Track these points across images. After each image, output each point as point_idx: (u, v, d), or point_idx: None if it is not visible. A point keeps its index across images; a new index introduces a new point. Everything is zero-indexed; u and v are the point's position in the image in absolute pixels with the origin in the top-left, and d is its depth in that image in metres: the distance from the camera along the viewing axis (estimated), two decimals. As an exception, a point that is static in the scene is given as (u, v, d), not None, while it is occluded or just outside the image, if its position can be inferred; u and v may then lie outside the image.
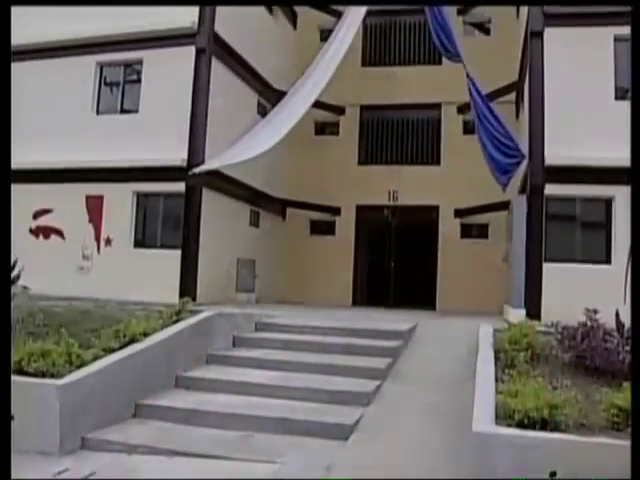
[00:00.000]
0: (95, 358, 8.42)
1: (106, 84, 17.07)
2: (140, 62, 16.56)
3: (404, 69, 21.59)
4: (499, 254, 16.75)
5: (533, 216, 13.98)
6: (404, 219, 20.92)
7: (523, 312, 13.12)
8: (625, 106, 12.55)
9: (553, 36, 14.34)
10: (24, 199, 15.16)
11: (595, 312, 9.15)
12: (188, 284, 15.00)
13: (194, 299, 13.74)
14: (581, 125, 13.88)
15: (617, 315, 9.06)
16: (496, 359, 8.74)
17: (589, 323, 8.98)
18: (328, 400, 8.56)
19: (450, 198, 19.95)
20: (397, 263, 20.76)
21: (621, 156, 10.84)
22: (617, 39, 13.96)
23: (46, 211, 16.48)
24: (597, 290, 11.95)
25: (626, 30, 13.22)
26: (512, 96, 18.93)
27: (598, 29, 14.06)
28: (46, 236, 16.47)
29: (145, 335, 9.48)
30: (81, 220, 16.14)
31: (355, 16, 17.20)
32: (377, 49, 22.23)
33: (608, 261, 13.52)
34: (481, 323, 11.09)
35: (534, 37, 14.61)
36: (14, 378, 7.14)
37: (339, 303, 19.54)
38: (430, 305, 19.49)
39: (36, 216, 16.54)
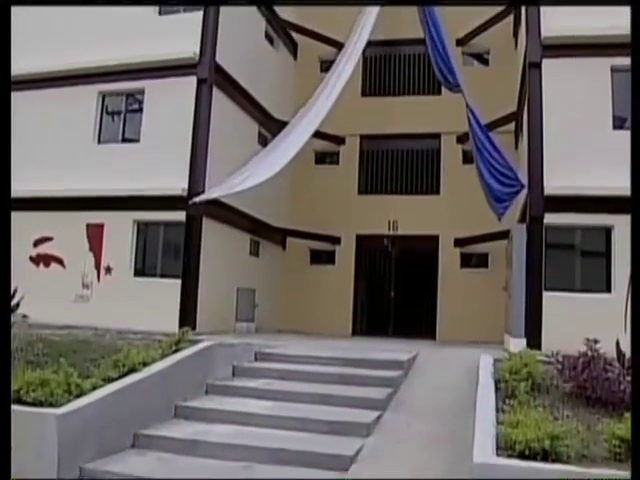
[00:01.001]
0: (94, 387, 8.37)
1: (108, 113, 17.21)
2: (142, 92, 16.72)
3: (403, 99, 21.72)
4: (499, 283, 16.73)
5: (533, 245, 14.00)
6: (404, 248, 20.95)
7: (523, 341, 13.09)
8: (623, 135, 12.69)
9: (551, 67, 14.49)
10: (25, 227, 15.24)
11: (595, 342, 9.12)
12: (188, 313, 14.97)
13: (194, 328, 13.69)
14: (580, 154, 13.97)
15: (618, 345, 9.03)
16: (496, 389, 8.69)
17: (589, 353, 8.94)
18: (328, 431, 8.50)
19: (450, 227, 19.98)
20: (397, 292, 20.75)
21: (620, 185, 10.93)
22: (614, 69, 14.14)
23: (46, 239, 16.51)
24: (597, 319, 11.93)
25: (622, 61, 13.46)
26: (511, 126, 19.05)
27: (595, 59, 14.23)
28: (46, 264, 16.49)
29: (144, 365, 9.43)
30: (81, 248, 16.17)
31: (355, 47, 17.38)
32: (377, 79, 22.39)
33: (608, 290, 13.51)
34: (481, 353, 11.04)
35: (532, 68, 14.75)
36: (12, 407, 7.09)
37: (339, 332, 19.49)
38: (430, 334, 19.44)
39: (36, 244, 16.57)
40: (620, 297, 12.55)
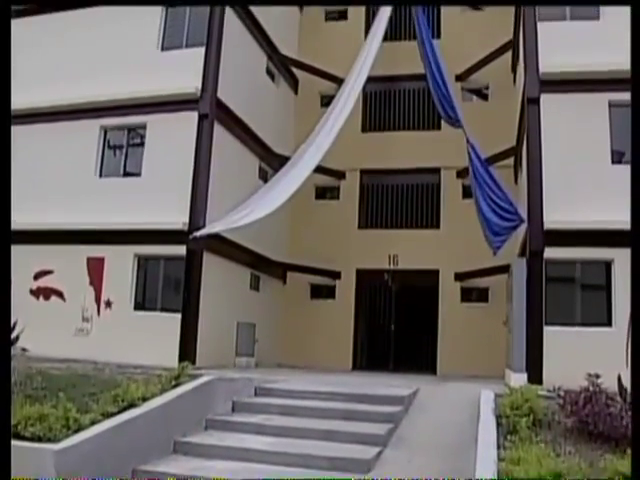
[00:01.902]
0: (93, 422, 8.32)
1: (109, 147, 17.33)
2: (144, 126, 16.85)
3: (403, 134, 21.86)
4: (499, 318, 16.69)
5: (533, 279, 13.99)
6: (404, 283, 20.92)
7: (524, 376, 13.02)
8: (622, 170, 12.79)
9: (549, 102, 14.62)
10: (25, 260, 15.27)
11: (597, 377, 9.09)
12: (188, 348, 14.91)
13: (193, 362, 13.65)
14: (579, 189, 14.05)
15: (619, 379, 9.00)
16: (498, 425, 8.65)
17: (591, 388, 8.91)
18: (328, 467, 8.42)
19: (450, 262, 19.98)
20: (397, 327, 20.69)
21: (619, 219, 10.98)
22: (612, 104, 14.27)
23: (47, 272, 16.51)
24: (598, 353, 11.91)
25: (619, 96, 13.62)
26: (510, 160, 19.15)
27: (593, 95, 14.37)
28: (46, 297, 16.47)
29: (144, 400, 9.39)
30: (81, 282, 16.16)
31: (356, 83, 17.55)
32: (377, 115, 22.54)
33: (609, 324, 13.47)
34: (482, 388, 11.00)
35: (531, 103, 14.88)
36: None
37: (339, 367, 19.40)
38: (431, 369, 19.36)
39: (37, 277, 16.57)
40: (621, 331, 12.52)
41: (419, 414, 10.62)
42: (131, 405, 9.12)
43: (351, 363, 20.47)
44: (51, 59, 17.82)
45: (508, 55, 19.87)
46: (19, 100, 16.01)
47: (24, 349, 12.03)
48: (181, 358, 13.95)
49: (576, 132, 14.36)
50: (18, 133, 15.99)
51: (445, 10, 22.16)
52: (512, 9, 18.93)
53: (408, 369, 18.97)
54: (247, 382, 12.07)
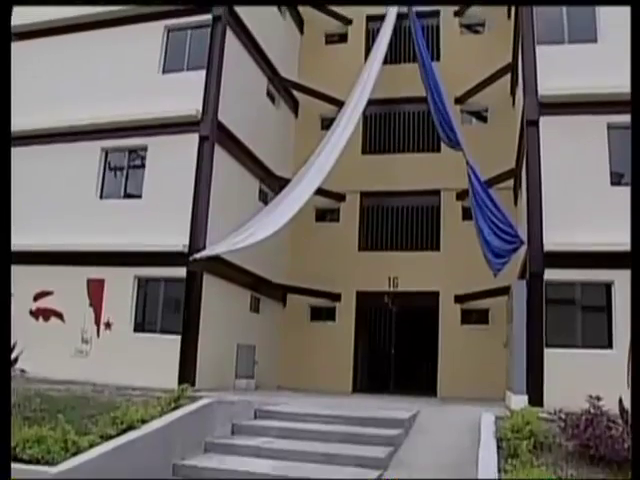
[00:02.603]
0: (91, 445, 8.26)
1: (110, 169, 17.39)
2: (144, 148, 16.94)
3: (403, 156, 21.93)
4: (500, 340, 16.66)
5: (533, 301, 13.98)
6: (404, 305, 20.87)
7: (525, 398, 12.97)
8: (621, 192, 12.84)
9: (549, 124, 14.71)
10: (25, 281, 15.25)
11: (598, 399, 9.05)
12: (187, 369, 14.88)
13: (193, 385, 13.59)
14: (579, 210, 14.09)
15: (620, 402, 8.95)
16: (498, 448, 8.59)
17: (592, 410, 8.87)
18: (328, 490, 8.37)
19: (450, 284, 19.97)
20: (397, 349, 20.62)
21: (619, 240, 10.99)
22: (610, 127, 14.34)
23: (46, 293, 16.50)
24: (599, 375, 11.86)
25: (618, 118, 13.70)
26: (510, 182, 19.19)
27: (592, 117, 14.46)
28: (46, 318, 16.45)
29: (143, 422, 9.33)
30: (81, 303, 16.15)
31: (356, 106, 17.64)
32: (377, 137, 22.63)
33: (610, 346, 13.45)
34: (483, 410, 10.95)
35: (530, 125, 14.96)
36: (8, 465, 7.00)
37: (339, 390, 19.32)
38: (431, 391, 19.27)
39: (36, 298, 16.55)
40: (622, 353, 12.46)
41: (419, 437, 10.56)
42: (130, 427, 9.06)
43: (351, 385, 20.38)
44: (52, 81, 17.96)
45: (507, 78, 20.00)
46: (21, 122, 16.16)
47: (23, 370, 12.00)
48: (180, 380, 13.91)
49: (575, 154, 14.42)
50: (19, 154, 16.08)
51: (444, 33, 22.34)
52: (511, 32, 19.09)
53: (408, 391, 18.89)
54: (247, 405, 12.01)
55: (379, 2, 20.73)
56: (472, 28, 22.48)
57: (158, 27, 17.65)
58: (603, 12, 15.13)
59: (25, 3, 18.36)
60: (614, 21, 14.68)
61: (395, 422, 10.94)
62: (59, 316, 16.35)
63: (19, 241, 12.25)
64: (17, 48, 18.24)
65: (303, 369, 20.21)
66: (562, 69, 14.84)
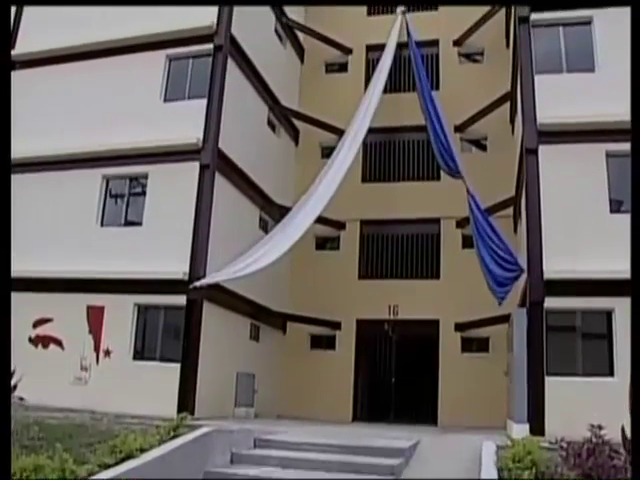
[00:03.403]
0: (90, 474, 8.17)
1: (111, 196, 17.45)
2: (145, 176, 17.03)
3: (403, 185, 22.02)
4: (500, 368, 16.59)
5: (533, 329, 13.95)
6: (404, 333, 20.80)
7: (526, 427, 12.89)
8: (620, 219, 12.87)
9: (548, 152, 14.81)
10: (25, 307, 15.22)
11: (600, 428, 8.97)
12: (186, 398, 14.81)
13: (192, 413, 13.52)
14: (578, 238, 14.12)
15: (623, 431, 8.88)
16: (499, 478, 8.51)
17: (594, 439, 8.79)
18: (329, 520, 8.29)
19: (450, 312, 19.93)
20: (398, 377, 20.51)
21: (619, 268, 10.99)
22: (609, 155, 14.43)
23: (46, 320, 16.47)
24: (601, 404, 11.77)
25: (616, 146, 13.80)
26: (509, 210, 19.24)
27: (590, 145, 14.55)
28: (45, 345, 16.41)
29: (142, 451, 9.24)
30: (81, 330, 16.13)
31: (357, 135, 17.74)
32: (377, 165, 22.72)
33: (611, 374, 13.40)
34: (483, 439, 10.86)
35: (529, 154, 15.05)
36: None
37: (339, 418, 19.19)
38: (432, 420, 19.15)
39: (36, 325, 16.54)
40: (623, 381, 12.37)
41: (420, 466, 10.46)
42: (129, 457, 8.97)
43: (351, 414, 20.26)
44: (54, 108, 18.11)
45: (506, 106, 20.13)
46: (22, 149, 16.30)
47: (21, 398, 11.89)
48: (180, 408, 13.84)
49: (574, 182, 14.50)
50: (20, 181, 16.21)
51: (444, 62, 22.53)
52: (510, 61, 19.26)
53: (409, 420, 18.79)
54: (246, 433, 11.92)
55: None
56: (471, 57, 22.68)
57: (160, 56, 17.82)
58: (600, 42, 15.32)
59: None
60: (611, 51, 14.89)
61: (395, 451, 10.85)
62: (58, 343, 16.31)
63: (19, 267, 12.26)
64: (20, 76, 18.54)
65: (303, 398, 20.11)
66: (561, 98, 14.98)
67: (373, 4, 23.61)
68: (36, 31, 19.23)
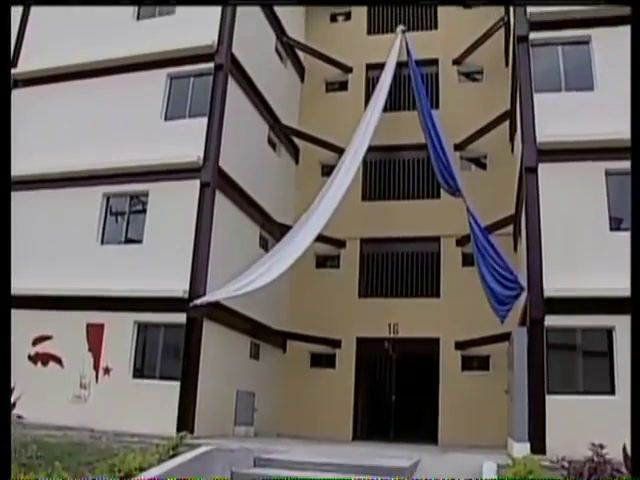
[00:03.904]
0: (88, 493, 8.16)
1: (111, 214, 17.46)
2: (146, 194, 17.05)
3: (403, 203, 22.03)
4: (501, 386, 16.53)
5: (534, 348, 13.90)
6: (405, 352, 20.75)
7: (527, 446, 12.83)
8: (620, 237, 12.90)
9: (547, 171, 14.85)
10: (24, 325, 15.16)
11: (601, 447, 8.95)
12: (186, 416, 14.74)
13: (192, 432, 13.48)
14: (578, 256, 14.11)
15: (624, 450, 8.85)
16: (501, 497, 8.48)
17: (596, 458, 8.77)
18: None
19: (450, 330, 19.88)
20: (398, 396, 20.44)
21: (619, 286, 10.99)
22: (608, 173, 14.47)
23: (45, 338, 16.43)
24: (602, 422, 11.76)
25: (615, 164, 13.87)
26: (509, 229, 19.23)
27: (590, 164, 14.60)
28: (44, 363, 16.36)
29: (141, 470, 9.20)
30: (80, 348, 16.08)
31: (357, 153, 17.79)
32: (377, 184, 22.73)
33: (612, 392, 13.33)
34: (484, 458, 10.81)
35: (529, 172, 15.08)
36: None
37: (339, 437, 19.12)
38: (432, 439, 19.06)
39: (35, 342, 16.49)
40: (625, 399, 12.34)
41: (421, 485, 10.42)
42: (128, 475, 8.94)
43: (351, 433, 20.16)
44: (55, 126, 18.21)
45: (505, 125, 20.20)
46: (22, 167, 16.34)
47: (20, 416, 11.85)
48: (179, 427, 13.80)
49: (574, 200, 14.53)
50: (21, 198, 16.25)
51: (443, 81, 22.63)
52: (509, 79, 19.36)
53: (409, 439, 18.68)
54: (246, 452, 11.86)
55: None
56: (470, 76, 22.78)
57: (161, 75, 17.91)
58: (598, 61, 15.41)
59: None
60: (610, 70, 14.99)
61: (396, 470, 10.79)
62: (58, 361, 16.26)
63: (19, 285, 12.25)
64: (21, 94, 18.64)
65: (303, 416, 20.02)
66: (560, 116, 15.03)
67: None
68: (38, 50, 19.36)
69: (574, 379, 13.86)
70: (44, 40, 19.50)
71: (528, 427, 13.32)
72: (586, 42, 15.72)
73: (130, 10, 18.91)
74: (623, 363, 12.86)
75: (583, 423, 12.27)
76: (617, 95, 13.44)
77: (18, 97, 18.75)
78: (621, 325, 12.74)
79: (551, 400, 13.44)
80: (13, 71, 19.12)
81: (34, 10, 20.21)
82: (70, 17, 19.25)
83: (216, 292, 15.65)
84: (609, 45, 15.14)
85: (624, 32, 11.12)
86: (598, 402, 13.20)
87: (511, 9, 17.80)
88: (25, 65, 19.43)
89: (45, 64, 18.95)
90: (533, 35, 16.05)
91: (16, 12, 19.67)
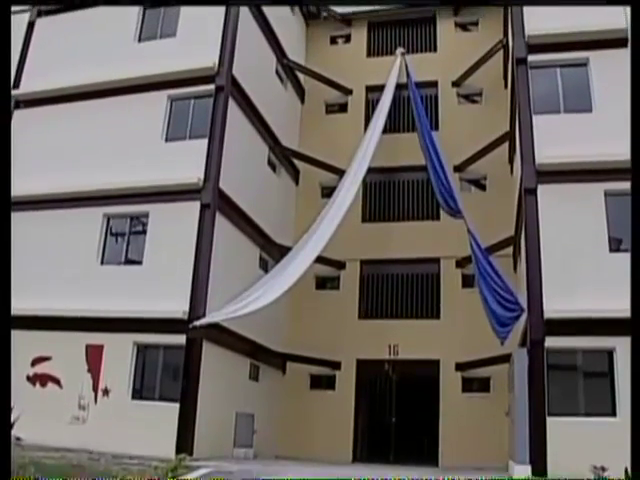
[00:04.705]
0: (87, 514, 8.11)
1: (112, 234, 17.47)
2: (146, 215, 17.06)
3: (403, 225, 22.05)
4: (502, 408, 16.47)
5: (534, 369, 13.87)
6: (405, 373, 20.70)
7: (528, 468, 12.77)
8: (619, 258, 12.91)
9: (547, 192, 14.91)
10: (23, 345, 15.13)
11: (603, 469, 8.91)
12: (185, 438, 14.63)
13: (191, 453, 13.41)
14: (578, 277, 14.13)
15: (626, 472, 8.82)
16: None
17: (597, 480, 8.72)
18: None
19: (450, 352, 19.82)
20: (398, 418, 20.36)
21: (619, 307, 10.97)
22: (607, 194, 14.52)
23: (44, 359, 16.37)
24: (604, 444, 11.70)
25: (614, 185, 13.94)
26: (509, 250, 19.24)
27: (589, 185, 14.66)
28: (43, 384, 16.28)
29: (139, 491, 9.17)
30: (79, 369, 16.01)
31: (356, 175, 17.86)
32: (377, 205, 22.76)
33: (613, 414, 13.27)
34: (486, 481, 10.77)
35: (528, 193, 15.13)
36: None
37: (339, 459, 19.00)
38: (432, 460, 18.94)
39: (34, 363, 16.42)
40: (626, 421, 12.30)
41: (421, 507, 10.37)
42: (126, 497, 8.90)
43: (351, 454, 20.02)
44: (56, 147, 18.27)
45: (505, 146, 20.28)
46: (23, 187, 16.41)
47: (18, 438, 11.81)
48: (178, 449, 13.71)
49: (574, 221, 14.57)
50: (21, 219, 16.28)
51: (442, 103, 22.74)
52: (508, 101, 19.47)
53: (409, 460, 18.59)
54: (246, 474, 11.81)
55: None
56: (470, 98, 22.89)
57: (162, 96, 18.00)
58: (597, 83, 15.52)
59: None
60: (608, 92, 15.10)
61: (396, 492, 10.75)
62: (56, 382, 16.19)
63: (19, 305, 12.25)
64: (23, 115, 18.77)
65: (303, 438, 19.90)
66: (559, 138, 15.13)
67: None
68: (40, 71, 19.51)
69: (575, 401, 13.79)
70: (46, 61, 19.66)
71: (529, 449, 13.26)
72: (584, 64, 15.86)
73: (131, 32, 19.06)
74: (624, 384, 12.82)
75: (584, 445, 12.21)
76: (615, 116, 13.55)
77: (20, 118, 18.91)
78: (622, 346, 12.73)
79: (552, 422, 13.38)
80: (16, 92, 19.27)
81: (37, 32, 20.39)
82: (72, 39, 19.48)
83: (216, 313, 15.63)
84: (607, 67, 15.30)
85: (621, 54, 11.28)
86: (599, 424, 13.14)
87: (510, 32, 17.90)
88: (27, 86, 19.57)
89: (47, 85, 19.10)
90: (532, 57, 16.19)
91: (19, 34, 19.87)
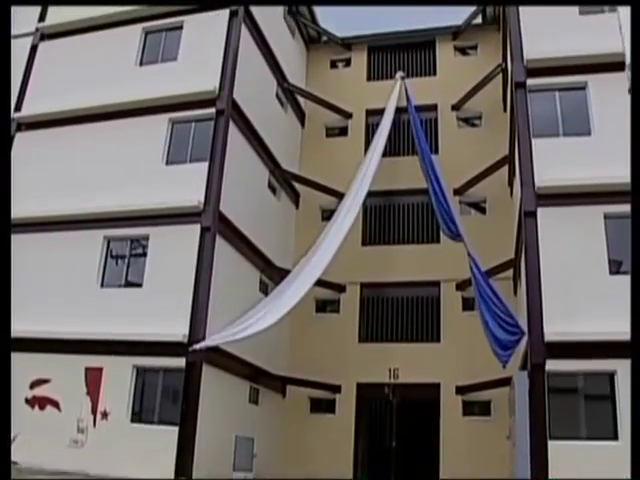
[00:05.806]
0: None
1: (112, 257, 17.47)
2: (146, 238, 17.09)
3: (403, 248, 22.05)
4: (502, 432, 16.39)
5: (535, 393, 13.82)
6: (405, 396, 20.54)
7: (529, 492, 12.68)
8: (620, 280, 12.91)
9: (546, 215, 14.97)
10: (22, 368, 15.07)
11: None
12: (184, 462, 14.52)
13: (190, 477, 13.34)
14: (578, 300, 14.12)
15: (629, 496, 8.74)
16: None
17: (599, 504, 8.65)
18: None
19: (451, 375, 19.74)
20: (398, 442, 20.19)
21: (620, 330, 10.95)
22: (607, 217, 14.55)
23: (43, 381, 16.29)
24: (606, 468, 11.63)
25: (614, 208, 13.99)
26: (509, 272, 19.22)
27: (588, 207, 14.70)
28: (41, 407, 16.18)
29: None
30: (78, 392, 15.93)
31: (356, 198, 17.90)
32: (376, 229, 22.77)
33: (615, 437, 13.19)
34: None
35: (528, 216, 15.17)
36: None
37: (339, 484, 18.86)
38: (433, 485, 18.82)
39: (33, 386, 16.33)
40: (628, 444, 12.23)
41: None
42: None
43: (352, 478, 19.86)
44: (57, 170, 18.35)
45: (504, 169, 20.34)
46: (24, 209, 16.47)
47: (14, 462, 11.75)
48: (177, 472, 13.65)
49: (573, 244, 14.59)
50: (21, 241, 16.33)
51: (442, 126, 22.85)
52: (507, 125, 19.56)
53: (410, 485, 18.48)
54: (244, 498, 11.75)
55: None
56: (469, 121, 23.00)
57: (162, 120, 18.10)
58: (595, 107, 15.64)
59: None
60: (606, 115, 15.19)
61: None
62: (55, 405, 16.09)
63: (18, 327, 12.24)
64: (24, 138, 18.92)
65: (302, 462, 19.72)
66: (558, 161, 15.22)
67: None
68: (42, 94, 19.68)
69: (576, 424, 13.73)
70: (48, 84, 19.83)
71: (530, 473, 13.18)
72: (582, 88, 15.98)
73: (133, 56, 19.25)
74: (625, 408, 12.80)
75: (586, 469, 12.13)
76: (614, 139, 13.62)
77: (21, 141, 19.02)
78: (622, 369, 12.70)
79: (553, 446, 13.31)
80: (17, 115, 19.41)
81: (39, 55, 20.59)
82: (74, 62, 19.67)
83: (215, 336, 15.59)
84: (605, 90, 15.42)
85: (620, 78, 11.32)
86: (601, 448, 13.07)
87: (508, 56, 18.04)
88: (29, 109, 19.70)
89: (49, 108, 19.23)
90: (530, 81, 16.32)
91: (22, 57, 20.06)
